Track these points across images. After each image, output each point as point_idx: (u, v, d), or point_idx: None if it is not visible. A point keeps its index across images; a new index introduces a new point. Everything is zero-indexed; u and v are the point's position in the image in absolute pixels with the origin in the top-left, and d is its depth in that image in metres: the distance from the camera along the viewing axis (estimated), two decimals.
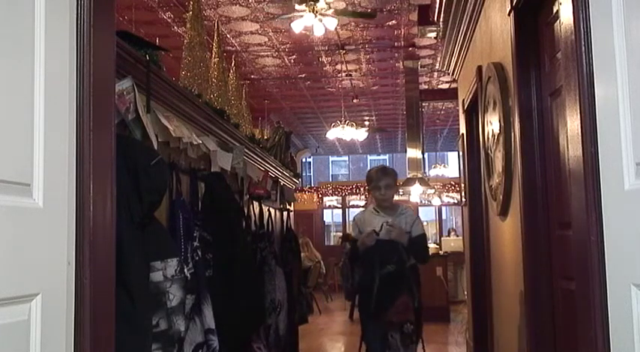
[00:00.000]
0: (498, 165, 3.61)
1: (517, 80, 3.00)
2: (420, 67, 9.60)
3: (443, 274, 8.46)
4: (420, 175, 9.90)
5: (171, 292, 2.21)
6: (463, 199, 5.85)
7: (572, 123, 1.67)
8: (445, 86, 10.89)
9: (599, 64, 1.51)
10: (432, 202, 15.21)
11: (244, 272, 3.11)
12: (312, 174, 23.88)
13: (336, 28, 7.20)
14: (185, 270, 2.41)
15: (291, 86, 11.03)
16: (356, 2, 7.11)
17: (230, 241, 3.04)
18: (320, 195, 16.62)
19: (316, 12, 6.39)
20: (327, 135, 12.41)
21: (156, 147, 2.45)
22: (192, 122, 3.09)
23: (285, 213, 5.45)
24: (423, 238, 4.11)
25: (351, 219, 11.45)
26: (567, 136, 1.74)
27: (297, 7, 6.45)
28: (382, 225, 3.92)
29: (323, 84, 10.98)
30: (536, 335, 2.87)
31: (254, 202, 4.31)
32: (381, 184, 3.98)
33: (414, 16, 7.50)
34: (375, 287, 3.82)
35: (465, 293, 6.48)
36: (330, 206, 16.74)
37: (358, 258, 4.08)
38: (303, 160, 20.40)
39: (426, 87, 11.04)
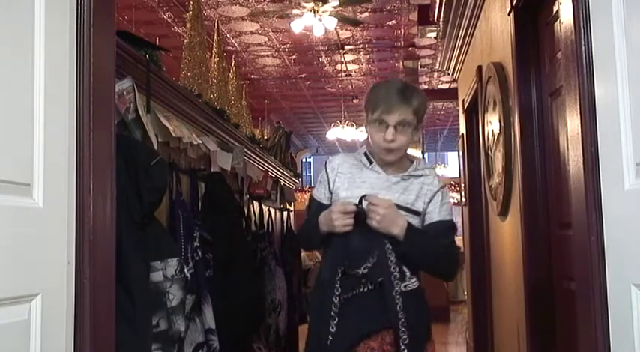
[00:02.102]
0: (498, 165, 3.60)
1: (517, 80, 2.99)
2: (420, 67, 9.60)
3: None
4: None
5: (171, 292, 2.21)
6: (463, 199, 5.84)
7: (572, 123, 1.67)
8: (445, 86, 10.89)
9: (599, 64, 1.51)
10: None
11: (244, 272, 3.11)
12: (312, 174, 23.86)
13: (336, 28, 7.21)
14: (185, 270, 2.41)
15: (291, 86, 11.03)
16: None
17: (230, 241, 3.04)
18: None
19: (316, 12, 6.41)
20: (327, 135, 12.43)
21: (156, 147, 2.45)
22: (192, 122, 3.09)
23: (285, 213, 5.45)
24: (448, 229, 2.10)
25: None
26: (567, 136, 1.74)
27: (303, 4, 6.47)
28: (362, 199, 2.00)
29: (323, 84, 10.98)
30: (536, 335, 2.87)
31: (254, 202, 4.31)
32: (390, 118, 2.00)
33: (414, 16, 7.50)
34: (330, 313, 1.96)
35: (465, 293, 6.47)
36: None
37: (310, 244, 2.40)
38: (303, 160, 20.40)
39: (426, 87, 11.04)
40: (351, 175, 2.11)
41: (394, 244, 1.97)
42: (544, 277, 2.84)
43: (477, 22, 4.38)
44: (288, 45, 8.73)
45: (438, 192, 2.09)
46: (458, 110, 6.27)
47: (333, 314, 1.96)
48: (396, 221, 1.97)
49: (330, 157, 2.20)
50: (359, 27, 7.97)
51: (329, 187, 2.14)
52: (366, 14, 7.54)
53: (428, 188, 2.09)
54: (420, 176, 2.10)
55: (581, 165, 1.58)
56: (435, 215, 2.07)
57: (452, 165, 16.50)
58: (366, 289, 1.97)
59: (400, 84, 2.11)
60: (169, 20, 7.55)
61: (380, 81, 2.23)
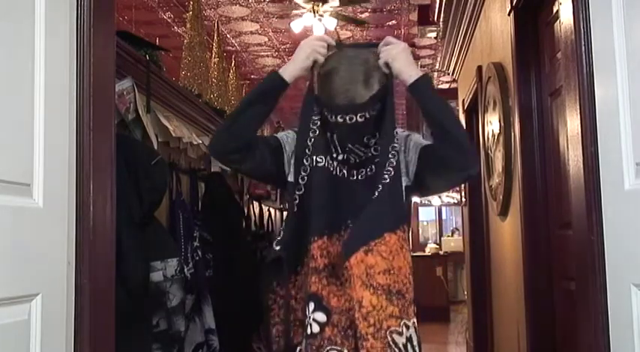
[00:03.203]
0: (498, 165, 3.60)
1: (517, 80, 2.99)
2: (420, 67, 9.61)
3: (443, 274, 8.45)
4: None
5: (171, 292, 2.22)
6: (463, 199, 5.84)
7: (572, 123, 1.67)
8: (445, 86, 10.88)
9: (599, 64, 1.51)
10: (432, 202, 15.19)
11: (244, 272, 3.11)
12: None
13: (335, 28, 7.21)
14: (185, 270, 2.42)
15: (291, 86, 11.03)
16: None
17: (230, 241, 3.04)
18: None
19: (316, 12, 6.41)
20: None
21: (156, 147, 2.45)
22: (192, 122, 3.09)
23: (285, 213, 5.44)
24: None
25: None
26: (567, 136, 1.74)
27: (302, 4, 6.47)
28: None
29: None
30: (536, 335, 2.87)
31: (254, 202, 4.31)
32: (339, 86, 1.80)
33: (414, 16, 7.50)
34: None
35: (465, 293, 6.47)
36: None
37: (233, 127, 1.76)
38: None
39: None
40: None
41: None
42: (544, 277, 2.84)
43: (477, 22, 4.38)
44: (288, 45, 8.72)
45: (408, 136, 1.75)
46: (458, 110, 6.27)
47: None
48: (413, 64, 1.69)
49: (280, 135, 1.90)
50: (359, 27, 7.97)
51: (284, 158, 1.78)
52: (366, 14, 7.54)
53: (400, 142, 1.72)
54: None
55: (581, 165, 1.58)
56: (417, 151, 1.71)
57: None
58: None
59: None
60: (169, 20, 7.55)
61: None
